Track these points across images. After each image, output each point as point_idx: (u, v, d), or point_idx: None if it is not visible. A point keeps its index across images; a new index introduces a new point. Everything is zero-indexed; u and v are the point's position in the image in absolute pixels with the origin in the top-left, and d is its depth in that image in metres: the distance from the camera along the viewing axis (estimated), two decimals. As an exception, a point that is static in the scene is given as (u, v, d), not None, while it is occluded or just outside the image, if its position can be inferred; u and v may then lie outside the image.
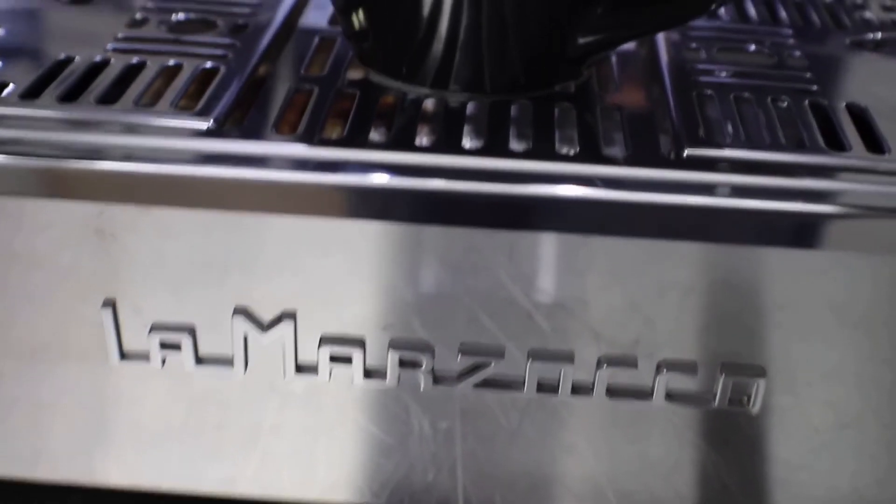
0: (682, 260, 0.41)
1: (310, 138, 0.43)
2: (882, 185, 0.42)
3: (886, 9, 0.59)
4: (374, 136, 0.44)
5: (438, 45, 0.45)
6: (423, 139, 0.43)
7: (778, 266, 0.42)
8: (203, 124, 0.44)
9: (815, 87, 0.49)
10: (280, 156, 0.42)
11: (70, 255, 0.43)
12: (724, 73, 0.49)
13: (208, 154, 0.42)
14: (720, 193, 0.41)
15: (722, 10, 0.56)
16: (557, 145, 0.43)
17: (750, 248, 0.41)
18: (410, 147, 0.42)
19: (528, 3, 0.43)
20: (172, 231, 0.42)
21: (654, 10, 0.44)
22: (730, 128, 0.45)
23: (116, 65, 0.48)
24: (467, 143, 0.43)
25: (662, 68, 0.49)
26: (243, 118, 0.44)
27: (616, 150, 0.43)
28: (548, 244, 0.41)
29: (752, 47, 0.53)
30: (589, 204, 0.40)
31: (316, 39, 0.52)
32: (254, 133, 0.43)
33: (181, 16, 0.53)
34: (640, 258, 0.41)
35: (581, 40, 0.45)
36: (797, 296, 0.42)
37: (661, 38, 0.53)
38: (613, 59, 0.51)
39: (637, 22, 0.45)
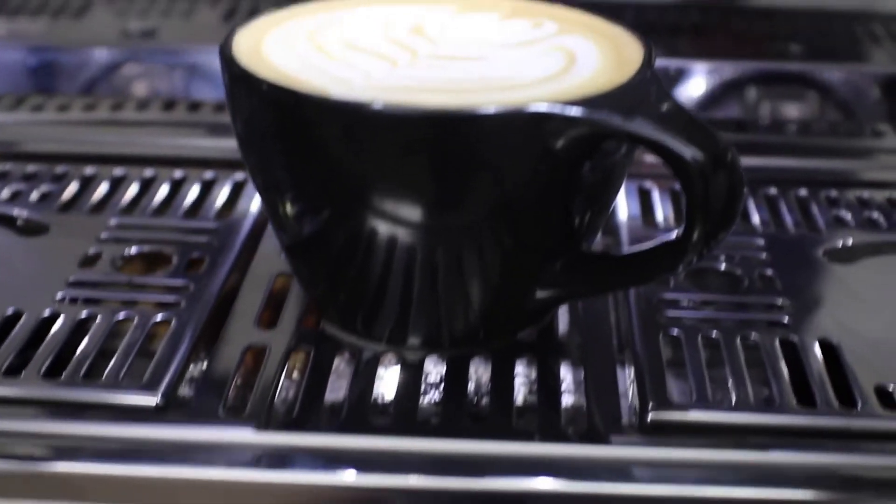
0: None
1: (259, 420, 0.41)
2: (854, 452, 0.40)
3: (861, 203, 0.57)
4: (327, 412, 0.42)
5: (393, 302, 0.44)
6: (376, 417, 0.42)
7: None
8: (151, 399, 0.42)
9: (786, 320, 0.47)
10: (227, 444, 0.41)
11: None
12: (692, 305, 0.48)
13: (153, 443, 0.40)
14: (686, 480, 0.39)
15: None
16: (515, 420, 0.42)
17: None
18: (363, 427, 0.41)
19: (486, 259, 0.42)
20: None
21: (616, 271, 0.43)
22: (695, 385, 0.43)
23: (66, 321, 0.46)
24: (424, 412, 0.42)
25: (630, 301, 0.48)
26: (190, 394, 0.43)
27: (575, 421, 0.42)
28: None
29: (723, 265, 0.51)
30: (549, 497, 0.39)
31: (272, 277, 0.50)
32: (201, 413, 0.42)
33: (134, 249, 0.52)
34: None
35: (540, 294, 0.44)
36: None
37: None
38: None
39: (598, 280, 0.44)
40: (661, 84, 0.42)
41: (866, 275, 0.51)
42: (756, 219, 0.56)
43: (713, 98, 0.66)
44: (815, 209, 0.57)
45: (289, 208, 0.43)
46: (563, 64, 0.43)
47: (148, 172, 0.59)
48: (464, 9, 0.48)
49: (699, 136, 0.39)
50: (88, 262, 0.51)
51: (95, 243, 0.52)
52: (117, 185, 0.58)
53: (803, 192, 0.58)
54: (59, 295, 0.48)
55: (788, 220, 0.56)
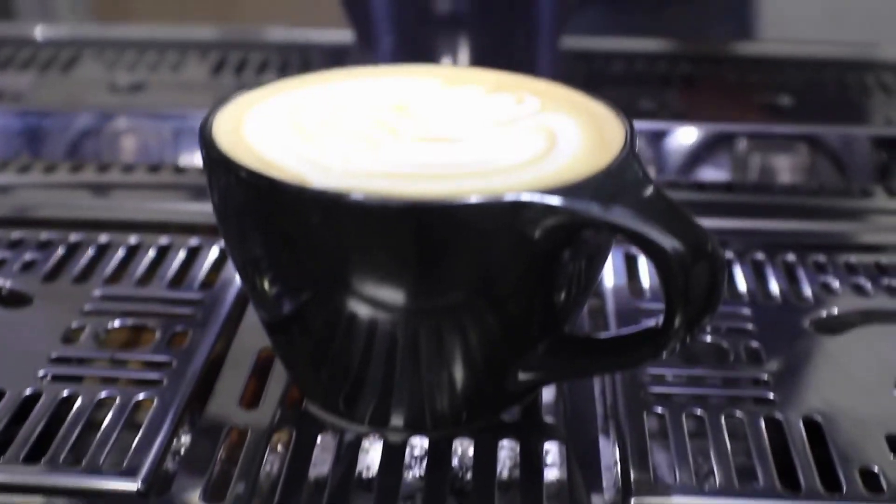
0: None
1: (240, 506, 0.41)
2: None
3: (849, 268, 0.57)
4: (309, 495, 0.42)
5: (374, 384, 0.43)
6: (359, 499, 0.42)
7: None
8: (132, 485, 0.42)
9: (771, 395, 0.47)
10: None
11: None
12: (677, 380, 0.48)
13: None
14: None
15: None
16: (498, 500, 0.42)
17: None
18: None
19: (467, 343, 0.42)
20: None
21: (599, 356, 0.43)
22: (679, 466, 0.43)
23: (47, 400, 0.46)
24: (407, 490, 0.42)
25: (615, 375, 0.47)
26: (172, 478, 0.43)
27: (559, 499, 0.42)
28: None
29: (709, 336, 0.51)
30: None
31: (255, 351, 0.50)
32: (183, 500, 0.42)
33: (117, 322, 0.51)
34: None
35: (522, 377, 0.44)
36: None
37: (612, 322, 0.52)
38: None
39: (581, 365, 0.44)
40: (642, 165, 0.41)
41: (853, 346, 0.51)
42: (743, 286, 0.55)
43: (700, 158, 0.66)
44: (802, 275, 0.56)
45: (267, 287, 0.43)
46: (545, 146, 0.43)
47: (133, 239, 0.59)
48: (449, 82, 0.48)
49: (679, 227, 0.38)
50: (71, 336, 0.51)
51: (79, 316, 0.52)
52: (103, 252, 0.58)
53: (791, 256, 0.58)
54: (41, 372, 0.48)
55: (775, 287, 0.55)
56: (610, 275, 0.56)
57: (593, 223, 0.39)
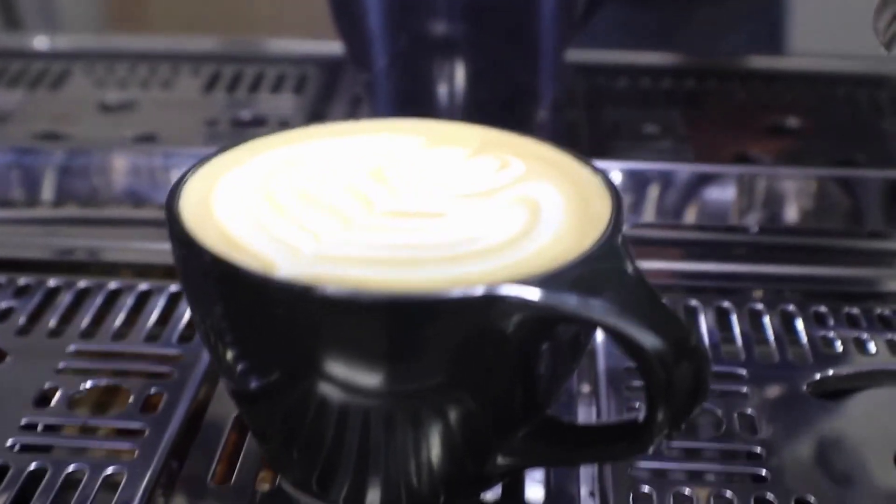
0: None
1: None
2: None
3: (850, 321, 0.55)
4: None
5: (348, 465, 0.42)
6: None
7: None
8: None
9: (763, 472, 0.45)
10: None
11: None
12: (666, 454, 0.46)
13: None
14: None
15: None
16: None
17: None
18: None
19: (444, 429, 0.40)
20: None
21: (581, 446, 0.41)
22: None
23: (15, 473, 0.45)
24: None
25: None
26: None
27: None
28: None
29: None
30: None
31: (230, 419, 0.49)
32: None
33: (89, 383, 0.50)
34: None
35: (502, 462, 0.42)
36: None
37: (603, 390, 0.50)
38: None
39: (562, 454, 0.42)
40: (626, 246, 0.40)
41: (852, 414, 0.49)
42: (739, 341, 0.53)
43: (696, 196, 0.64)
44: (801, 328, 0.54)
45: (232, 364, 0.41)
46: (526, 220, 0.41)
47: (114, 284, 0.57)
48: (430, 143, 0.46)
49: (661, 323, 0.37)
50: (44, 399, 0.49)
51: (52, 376, 0.51)
52: (81, 298, 0.56)
53: (790, 307, 0.56)
54: (10, 441, 0.47)
55: (772, 342, 0.53)
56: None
57: (571, 318, 0.37)
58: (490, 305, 0.37)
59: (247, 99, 0.77)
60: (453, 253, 0.39)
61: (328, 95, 0.79)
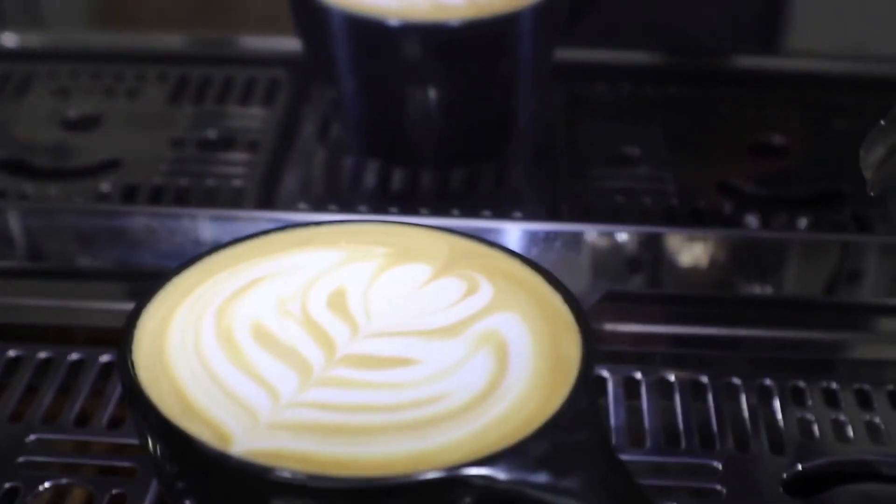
0: None
1: None
2: None
3: (827, 400, 0.54)
4: None
5: None
6: None
7: None
8: None
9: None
10: None
11: None
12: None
13: None
14: None
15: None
16: None
17: None
18: None
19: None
20: None
21: None
22: None
23: None
24: None
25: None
26: None
27: None
28: None
29: (674, 504, 0.48)
30: None
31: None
32: None
33: (48, 484, 0.49)
34: None
35: None
36: None
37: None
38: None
39: None
40: (594, 402, 0.38)
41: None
42: (714, 425, 0.52)
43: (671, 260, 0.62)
44: (777, 408, 0.53)
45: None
46: (492, 373, 0.40)
47: (75, 356, 0.56)
48: (395, 258, 0.45)
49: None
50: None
51: (12, 471, 0.49)
52: (43, 372, 0.55)
53: (767, 381, 0.55)
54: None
55: (748, 427, 0.52)
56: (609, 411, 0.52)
57: (535, 501, 0.36)
58: (452, 486, 0.36)
59: (214, 113, 0.75)
60: (414, 418, 0.38)
61: (299, 105, 0.76)
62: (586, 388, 0.39)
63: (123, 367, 0.39)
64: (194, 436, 0.37)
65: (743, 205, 0.67)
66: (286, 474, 0.35)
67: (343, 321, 0.42)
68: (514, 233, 0.58)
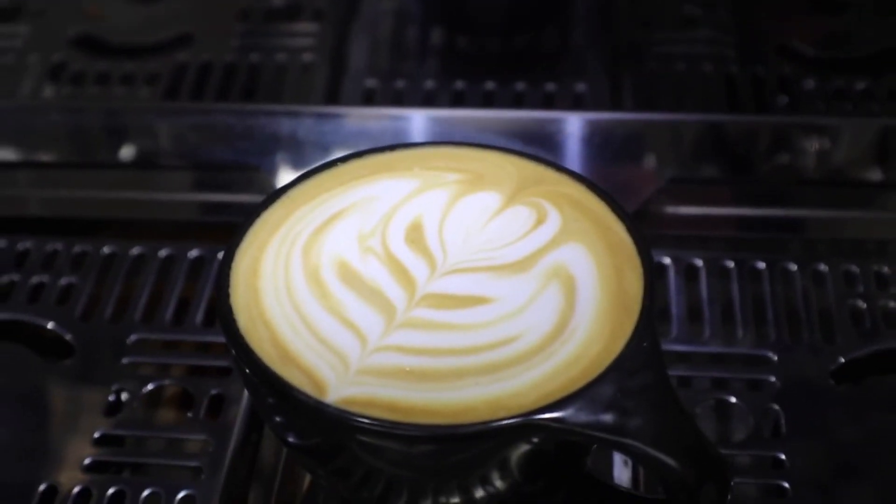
0: None
1: None
2: None
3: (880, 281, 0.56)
4: None
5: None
6: None
7: None
8: None
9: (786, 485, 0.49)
10: None
11: None
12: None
13: None
14: None
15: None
16: None
17: None
18: None
19: None
20: None
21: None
22: None
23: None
24: None
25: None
26: None
27: None
28: None
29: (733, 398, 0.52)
30: None
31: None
32: None
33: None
34: None
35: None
36: None
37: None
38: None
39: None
40: (658, 345, 0.41)
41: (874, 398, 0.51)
42: (770, 315, 0.55)
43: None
44: (831, 295, 0.56)
45: (285, 442, 0.45)
46: (561, 310, 0.43)
47: (164, 251, 0.60)
48: (466, 187, 0.47)
49: (691, 449, 0.39)
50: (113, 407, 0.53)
51: (117, 374, 0.54)
52: (138, 267, 0.59)
53: (822, 266, 0.57)
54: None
55: (805, 322, 0.55)
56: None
57: (604, 442, 0.40)
58: (526, 430, 0.39)
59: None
60: (489, 361, 0.41)
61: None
62: (648, 327, 0.42)
63: (224, 314, 0.43)
64: (295, 385, 0.40)
65: (803, 69, 0.68)
66: (377, 425, 0.39)
67: (421, 257, 0.45)
68: (576, 123, 0.60)
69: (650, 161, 0.59)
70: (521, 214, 0.46)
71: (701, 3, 0.72)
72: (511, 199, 0.47)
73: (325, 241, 0.45)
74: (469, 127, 0.60)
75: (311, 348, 0.42)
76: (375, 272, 0.44)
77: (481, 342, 0.42)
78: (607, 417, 0.39)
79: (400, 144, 0.49)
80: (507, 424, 0.39)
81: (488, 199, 0.47)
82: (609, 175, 0.59)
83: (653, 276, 0.43)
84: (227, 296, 0.43)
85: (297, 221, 0.46)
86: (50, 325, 0.56)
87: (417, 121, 0.61)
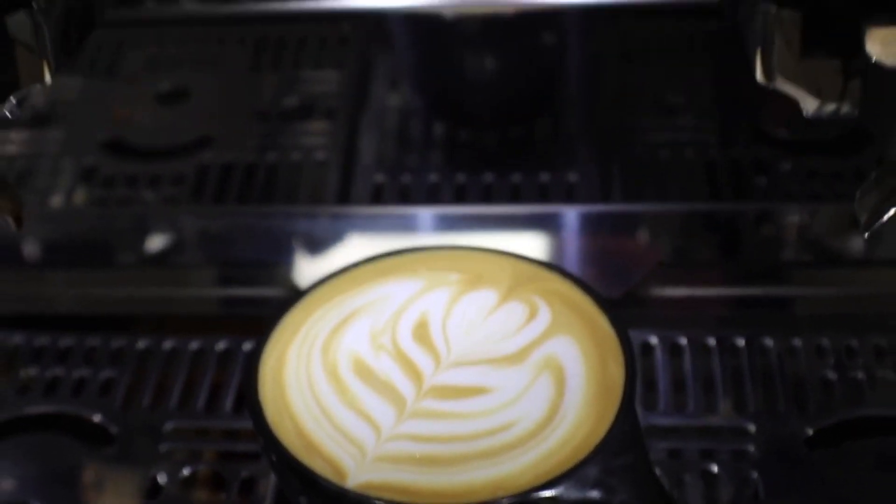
0: None
1: None
2: None
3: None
4: None
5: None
6: None
7: None
8: None
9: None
10: None
11: None
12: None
13: None
14: None
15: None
16: None
17: None
18: None
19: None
20: None
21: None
22: None
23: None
24: None
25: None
26: None
27: None
28: None
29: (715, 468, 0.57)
30: None
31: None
32: None
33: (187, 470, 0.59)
34: None
35: None
36: None
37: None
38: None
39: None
40: (638, 427, 0.47)
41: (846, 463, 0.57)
42: (748, 388, 0.61)
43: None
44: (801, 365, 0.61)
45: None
46: (552, 398, 0.48)
47: (195, 345, 0.65)
48: (466, 285, 0.53)
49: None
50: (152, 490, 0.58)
51: (156, 459, 0.59)
52: (170, 361, 0.65)
53: (797, 341, 0.63)
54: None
55: (780, 391, 0.60)
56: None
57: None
58: (523, 506, 0.45)
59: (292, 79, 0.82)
60: (489, 446, 0.46)
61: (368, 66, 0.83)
62: (630, 412, 0.47)
63: (254, 407, 0.48)
64: (319, 473, 0.46)
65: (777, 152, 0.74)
66: (391, 506, 0.44)
67: (427, 352, 0.50)
68: (570, 215, 0.66)
69: (639, 248, 0.65)
70: (516, 310, 0.52)
71: (681, 92, 0.77)
72: (506, 296, 0.52)
73: (342, 340, 0.51)
74: (470, 221, 0.66)
75: (332, 438, 0.47)
76: (387, 367, 0.50)
77: (482, 429, 0.47)
78: (594, 494, 0.45)
79: (406, 249, 0.55)
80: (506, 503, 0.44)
81: (486, 297, 0.52)
82: (601, 261, 0.64)
83: (634, 365, 0.49)
84: (255, 392, 0.49)
85: (316, 322, 0.52)
86: (96, 419, 0.61)
87: (423, 218, 0.67)
